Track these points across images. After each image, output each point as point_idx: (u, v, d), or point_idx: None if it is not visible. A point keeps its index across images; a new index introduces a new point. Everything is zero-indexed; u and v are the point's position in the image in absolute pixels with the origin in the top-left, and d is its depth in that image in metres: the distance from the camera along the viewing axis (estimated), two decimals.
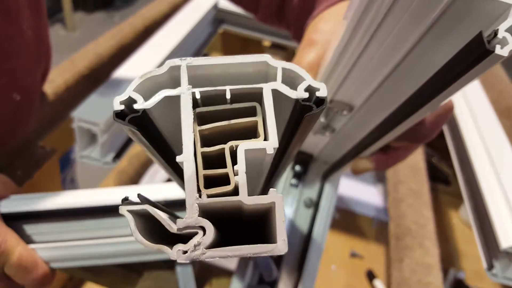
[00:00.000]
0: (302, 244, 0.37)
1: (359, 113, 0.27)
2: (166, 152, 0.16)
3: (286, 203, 0.39)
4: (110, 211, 0.35)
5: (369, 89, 0.23)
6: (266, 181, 0.21)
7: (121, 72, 0.63)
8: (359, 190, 1.08)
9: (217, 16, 0.99)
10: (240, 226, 0.15)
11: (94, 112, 0.50)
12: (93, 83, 0.69)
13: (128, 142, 0.56)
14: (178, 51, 0.81)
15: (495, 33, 0.13)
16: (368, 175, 1.14)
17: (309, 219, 0.38)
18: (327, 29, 0.28)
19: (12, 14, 0.40)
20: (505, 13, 0.14)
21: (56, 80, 0.63)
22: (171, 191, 0.36)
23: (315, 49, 0.27)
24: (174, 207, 0.35)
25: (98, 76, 0.70)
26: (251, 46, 1.11)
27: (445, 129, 0.69)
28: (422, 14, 0.15)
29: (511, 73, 0.96)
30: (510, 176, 0.54)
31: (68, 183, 0.68)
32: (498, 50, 0.13)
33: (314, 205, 0.39)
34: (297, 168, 0.41)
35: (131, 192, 0.36)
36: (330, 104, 0.26)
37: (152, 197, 0.34)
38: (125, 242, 0.34)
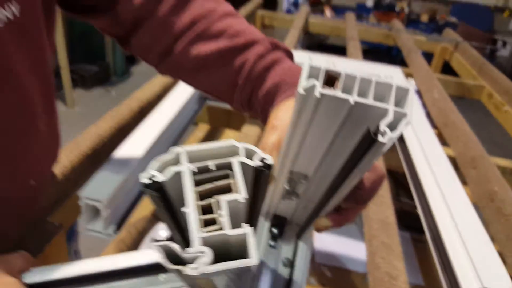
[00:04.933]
0: None
1: (313, 181, 0.34)
2: (170, 209, 0.23)
3: (266, 263, 0.45)
4: (116, 275, 0.41)
5: (315, 163, 0.31)
6: (248, 220, 0.27)
7: (120, 151, 0.71)
8: (349, 247, 1.11)
9: (202, 94, 1.10)
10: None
11: (98, 190, 0.57)
12: (96, 162, 0.76)
13: (126, 215, 0.62)
14: (171, 127, 0.90)
15: (378, 128, 0.21)
16: (357, 232, 1.18)
17: (287, 276, 0.44)
18: (285, 117, 0.37)
19: (29, 115, 0.47)
20: (386, 114, 0.21)
21: (63, 162, 0.70)
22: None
23: (277, 132, 0.35)
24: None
25: (100, 155, 0.78)
26: (233, 117, 1.21)
27: (411, 187, 0.77)
28: (334, 118, 0.24)
29: None
30: (468, 227, 0.61)
31: (72, 254, 0.72)
32: (380, 138, 0.21)
33: (291, 264, 0.45)
34: (274, 230, 0.47)
35: (131, 257, 0.42)
36: (290, 174, 0.34)
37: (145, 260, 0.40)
38: None
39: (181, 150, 0.20)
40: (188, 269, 0.17)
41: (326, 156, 0.29)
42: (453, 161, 0.90)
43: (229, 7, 0.52)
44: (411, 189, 0.78)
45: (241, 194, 0.19)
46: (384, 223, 0.66)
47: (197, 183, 0.20)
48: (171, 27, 0.50)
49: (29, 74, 0.45)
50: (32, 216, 0.58)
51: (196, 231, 0.18)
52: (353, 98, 0.22)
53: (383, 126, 0.21)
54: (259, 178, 0.20)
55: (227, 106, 1.08)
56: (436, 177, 0.75)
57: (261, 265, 0.45)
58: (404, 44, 1.79)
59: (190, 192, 0.19)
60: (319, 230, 0.38)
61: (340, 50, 1.68)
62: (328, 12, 2.80)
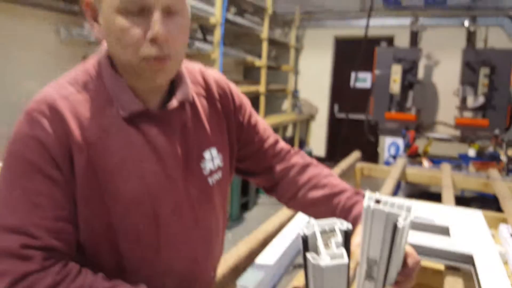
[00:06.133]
0: None
1: (379, 264, 0.60)
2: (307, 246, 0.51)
3: None
4: None
5: (378, 249, 0.58)
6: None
7: (261, 259, 1.02)
8: None
9: None
10: None
11: (249, 280, 0.86)
12: (236, 272, 1.07)
13: None
14: (288, 252, 1.18)
15: (397, 221, 0.49)
16: None
17: None
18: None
19: (218, 230, 0.82)
20: (401, 215, 0.50)
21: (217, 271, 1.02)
22: None
23: (358, 236, 0.64)
24: None
25: (239, 269, 1.09)
26: None
27: None
28: (380, 220, 0.53)
29: None
30: None
31: None
32: (398, 225, 0.50)
33: None
34: None
35: None
36: (367, 260, 0.60)
37: None
38: None
39: (314, 222, 0.50)
40: (321, 261, 0.45)
41: (382, 243, 0.56)
42: None
43: (328, 171, 0.90)
44: None
45: (339, 238, 0.48)
46: None
47: (321, 233, 0.49)
48: (297, 183, 0.87)
49: (220, 207, 0.81)
50: None
51: (323, 249, 0.47)
52: (387, 209, 0.51)
53: (400, 220, 0.49)
54: (347, 235, 0.49)
55: None
56: None
57: None
58: (499, 191, 1.90)
59: (319, 235, 0.48)
60: None
61: (440, 198, 1.86)
62: (426, 163, 3.03)
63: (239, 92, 0.87)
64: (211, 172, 0.78)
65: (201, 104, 0.78)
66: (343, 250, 0.46)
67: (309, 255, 0.47)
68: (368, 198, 0.52)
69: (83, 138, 0.64)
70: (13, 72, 2.45)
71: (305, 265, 0.49)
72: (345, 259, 0.45)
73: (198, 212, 0.76)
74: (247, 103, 0.88)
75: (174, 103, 0.71)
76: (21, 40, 2.48)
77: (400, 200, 0.52)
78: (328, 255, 0.46)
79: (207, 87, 0.81)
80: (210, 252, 0.81)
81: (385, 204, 0.52)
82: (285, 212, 1.51)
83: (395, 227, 0.49)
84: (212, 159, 0.78)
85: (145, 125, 0.69)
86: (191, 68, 0.81)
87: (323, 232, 0.50)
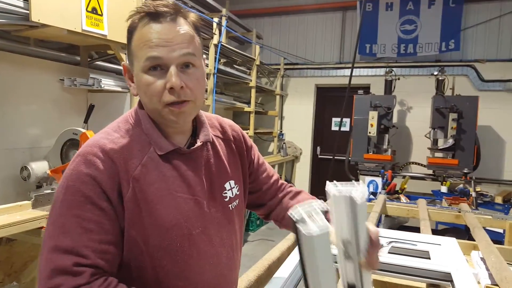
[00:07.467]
0: None
1: (352, 242, 0.75)
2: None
3: None
4: None
5: (347, 230, 0.74)
6: None
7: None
8: None
9: None
10: None
11: None
12: None
13: None
14: (290, 279, 1.37)
15: (356, 199, 0.72)
16: None
17: None
18: None
19: (237, 250, 0.98)
20: (356, 197, 0.72)
21: None
22: None
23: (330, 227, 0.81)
24: None
25: None
26: None
27: None
28: (344, 203, 0.72)
29: None
30: None
31: None
32: (357, 201, 0.71)
33: None
34: None
35: None
36: (343, 240, 0.75)
37: None
38: None
39: (298, 207, 0.71)
40: (313, 232, 0.65)
41: (349, 223, 0.73)
42: None
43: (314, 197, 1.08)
44: None
45: (320, 214, 0.69)
46: None
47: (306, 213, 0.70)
48: (287, 206, 1.07)
49: (238, 228, 1.01)
50: None
51: (311, 223, 0.66)
52: (348, 194, 0.71)
53: (356, 197, 0.70)
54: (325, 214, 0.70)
55: None
56: None
57: None
58: (470, 222, 2.16)
59: (305, 215, 0.69)
60: (362, 268, 0.78)
61: (419, 231, 2.09)
62: (403, 198, 3.29)
63: (248, 136, 1.08)
64: (231, 199, 0.94)
65: (219, 145, 0.96)
66: (326, 222, 0.66)
67: (301, 228, 0.66)
68: (329, 188, 0.71)
69: (128, 174, 0.77)
70: (17, 119, 2.52)
71: (298, 243, 0.67)
72: (330, 227, 0.65)
73: (223, 232, 0.90)
74: (255, 146, 1.10)
75: (198, 143, 0.88)
76: (26, 89, 2.56)
77: (355, 184, 0.71)
78: (316, 227, 0.65)
79: (223, 131, 1.00)
80: (233, 268, 0.96)
81: (346, 189, 0.70)
82: (283, 244, 1.71)
83: (354, 202, 0.67)
84: (231, 189, 0.95)
85: (176, 161, 0.84)
86: (209, 116, 1.01)
87: (307, 213, 0.68)
